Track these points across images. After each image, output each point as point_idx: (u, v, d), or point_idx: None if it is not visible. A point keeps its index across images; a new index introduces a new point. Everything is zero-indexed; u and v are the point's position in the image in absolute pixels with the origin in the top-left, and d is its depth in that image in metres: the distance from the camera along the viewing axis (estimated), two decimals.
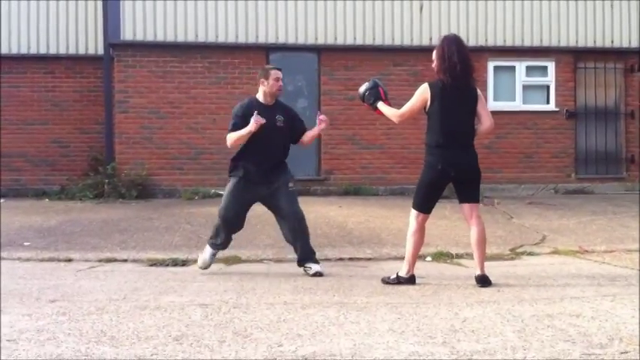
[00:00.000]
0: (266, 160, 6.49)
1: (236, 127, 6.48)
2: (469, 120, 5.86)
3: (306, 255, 6.58)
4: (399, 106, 6.11)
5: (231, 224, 6.62)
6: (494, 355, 3.74)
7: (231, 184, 6.60)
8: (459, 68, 5.69)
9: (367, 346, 3.91)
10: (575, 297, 5.28)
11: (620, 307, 4.90)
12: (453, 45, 5.76)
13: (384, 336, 4.13)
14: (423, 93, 5.80)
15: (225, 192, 6.67)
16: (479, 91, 5.91)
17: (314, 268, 6.47)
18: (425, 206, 5.87)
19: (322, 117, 6.69)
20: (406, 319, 4.55)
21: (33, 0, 13.41)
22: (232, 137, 6.49)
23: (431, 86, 5.79)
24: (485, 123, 5.90)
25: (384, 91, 6.19)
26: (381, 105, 6.08)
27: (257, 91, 6.66)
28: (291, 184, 6.63)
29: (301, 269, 6.55)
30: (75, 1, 13.48)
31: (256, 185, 6.50)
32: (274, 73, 6.58)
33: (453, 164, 5.70)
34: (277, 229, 7.44)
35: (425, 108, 5.82)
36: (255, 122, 6.30)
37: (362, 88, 6.24)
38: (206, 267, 6.66)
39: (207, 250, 6.68)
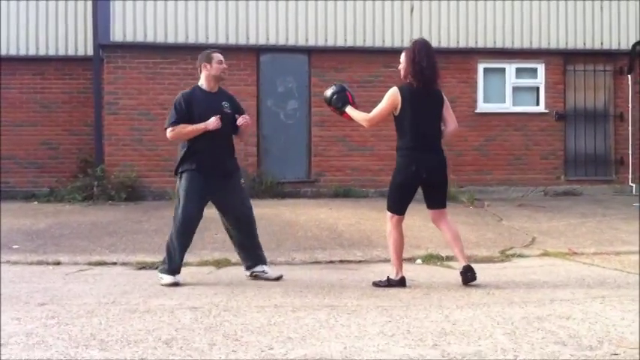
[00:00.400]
0: (216, 148, 6.16)
1: (178, 117, 6.17)
2: (437, 123, 6.02)
3: (257, 259, 6.37)
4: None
5: (192, 224, 6.15)
6: (484, 357, 3.75)
7: (184, 179, 6.17)
8: (427, 73, 5.82)
9: (358, 349, 3.90)
10: (565, 299, 5.29)
11: (609, 309, 4.92)
12: (423, 50, 5.88)
13: (375, 339, 4.13)
14: (393, 97, 5.88)
15: (180, 190, 6.19)
16: (444, 95, 6.06)
17: (269, 271, 6.33)
18: (399, 208, 5.97)
19: (241, 119, 6.31)
20: (397, 322, 4.55)
21: (22, 1, 13.35)
22: (180, 132, 6.15)
23: (401, 90, 5.89)
24: (450, 125, 6.07)
25: (352, 95, 6.23)
26: (349, 109, 6.13)
27: (200, 79, 6.40)
28: (242, 181, 6.48)
29: (249, 274, 6.35)
30: (64, 2, 13.42)
31: (210, 177, 6.15)
32: (216, 56, 6.32)
33: (425, 166, 5.84)
34: (267, 231, 7.47)
35: (394, 112, 5.89)
36: (215, 121, 6.08)
37: (328, 92, 6.25)
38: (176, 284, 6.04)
39: (167, 278, 6.06)
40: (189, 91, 6.37)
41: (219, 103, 6.30)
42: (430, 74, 5.83)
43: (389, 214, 5.98)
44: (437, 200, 6.03)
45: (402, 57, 5.97)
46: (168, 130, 6.25)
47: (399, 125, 5.93)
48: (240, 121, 6.30)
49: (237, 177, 6.39)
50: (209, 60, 6.31)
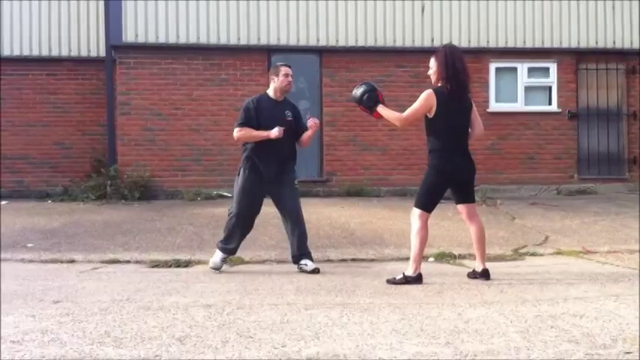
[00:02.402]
0: (275, 154, 6.72)
1: (247, 120, 6.72)
2: (467, 125, 6.15)
3: (300, 252, 6.79)
4: (398, 107, 6.20)
5: (246, 218, 6.79)
6: (497, 355, 3.74)
7: (241, 177, 6.79)
8: (462, 77, 5.95)
9: (370, 347, 3.91)
10: (579, 297, 5.28)
11: (623, 307, 4.90)
12: (455, 54, 6.00)
13: (388, 337, 4.13)
14: (428, 99, 5.94)
15: (235, 187, 6.85)
16: (472, 100, 6.21)
17: (310, 265, 6.69)
18: (431, 206, 6.05)
19: (311, 121, 6.87)
20: (409, 320, 4.55)
21: (35, 1, 13.45)
22: (247, 134, 6.73)
23: (436, 93, 5.96)
24: (476, 129, 6.23)
25: (381, 93, 6.25)
26: (381, 108, 6.15)
27: (270, 87, 6.94)
28: (296, 182, 6.93)
29: (296, 267, 6.80)
30: (77, 2, 13.51)
31: (265, 178, 6.74)
32: (284, 70, 6.85)
33: (460, 167, 6.02)
34: (280, 230, 7.49)
35: (428, 113, 5.95)
36: (278, 131, 6.59)
37: (358, 91, 6.25)
38: (217, 268, 6.80)
39: (218, 254, 6.83)
40: (257, 98, 6.93)
41: (283, 112, 6.82)
42: (464, 78, 5.97)
43: (419, 211, 6.02)
44: (465, 195, 6.18)
45: (432, 62, 6.06)
46: (237, 129, 6.79)
47: (432, 127, 6.01)
48: (311, 122, 6.84)
49: (291, 178, 6.88)
50: (276, 73, 6.87)
